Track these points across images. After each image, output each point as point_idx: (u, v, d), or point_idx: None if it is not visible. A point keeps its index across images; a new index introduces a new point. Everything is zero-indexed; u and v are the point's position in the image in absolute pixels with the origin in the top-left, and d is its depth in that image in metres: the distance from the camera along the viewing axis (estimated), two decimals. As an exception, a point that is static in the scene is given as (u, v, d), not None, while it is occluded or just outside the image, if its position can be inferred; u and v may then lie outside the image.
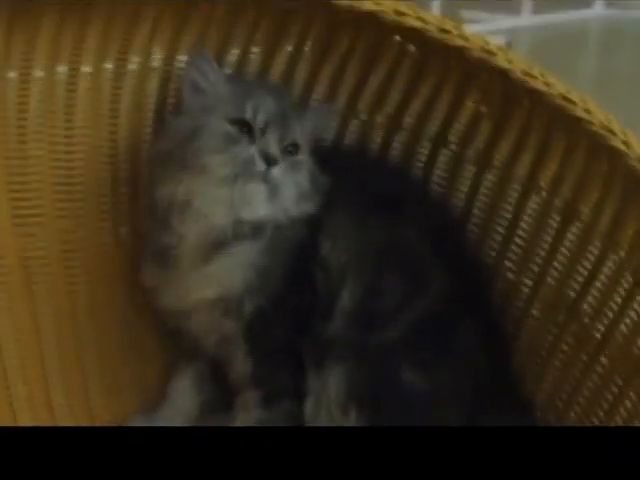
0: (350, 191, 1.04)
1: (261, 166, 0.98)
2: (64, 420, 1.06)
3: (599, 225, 1.00)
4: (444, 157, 1.12)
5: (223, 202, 0.99)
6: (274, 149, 0.99)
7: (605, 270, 1.01)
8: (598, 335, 1.02)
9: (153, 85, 1.10)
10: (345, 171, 1.06)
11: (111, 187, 1.11)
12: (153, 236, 1.04)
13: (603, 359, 1.01)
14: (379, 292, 1.01)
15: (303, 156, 1.03)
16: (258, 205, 0.99)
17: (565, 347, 1.05)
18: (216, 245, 1.00)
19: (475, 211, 1.12)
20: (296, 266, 1.01)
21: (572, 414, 1.04)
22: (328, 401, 1.01)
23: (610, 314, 1.00)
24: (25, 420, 1.04)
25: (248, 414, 1.01)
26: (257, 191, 0.98)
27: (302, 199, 1.01)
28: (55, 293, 1.09)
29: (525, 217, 1.08)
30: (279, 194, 0.99)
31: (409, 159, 1.14)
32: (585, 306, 1.03)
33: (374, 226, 1.03)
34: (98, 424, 1.08)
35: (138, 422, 1.06)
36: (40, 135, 1.06)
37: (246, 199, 0.98)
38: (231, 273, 1.00)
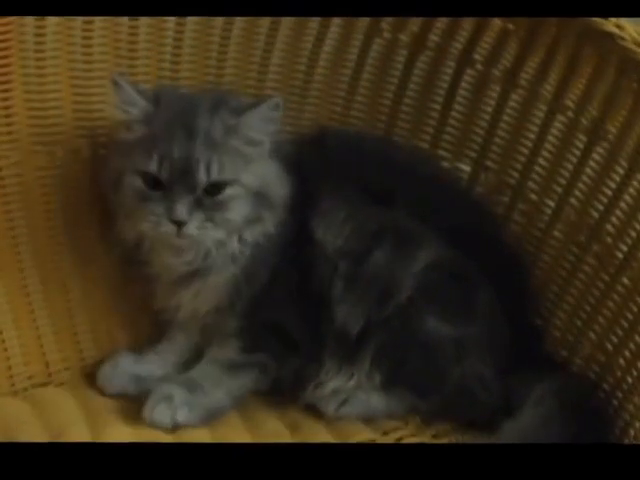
0: (344, 180, 1.01)
1: (171, 228, 0.94)
2: (52, 354, 1.05)
3: (626, 145, 1.00)
4: (469, 77, 1.11)
5: (165, 247, 0.98)
6: (181, 208, 0.93)
7: (630, 190, 1.01)
8: (620, 255, 1.02)
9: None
10: (341, 157, 1.03)
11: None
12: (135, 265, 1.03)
13: (625, 279, 1.01)
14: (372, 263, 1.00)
15: (233, 189, 0.96)
16: (191, 253, 0.98)
17: (586, 268, 1.06)
18: (190, 275, 0.99)
19: (499, 132, 1.11)
20: (284, 257, 1.00)
21: (587, 340, 1.05)
22: (358, 373, 1.02)
23: (634, 234, 1.01)
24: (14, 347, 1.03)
25: (222, 354, 1.01)
26: (180, 244, 0.97)
27: (250, 224, 0.98)
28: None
29: (550, 138, 1.07)
30: (203, 242, 0.96)
31: (433, 80, 1.13)
32: (608, 226, 1.03)
33: (367, 215, 1.01)
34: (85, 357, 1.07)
35: (132, 356, 1.05)
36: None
37: (175, 250, 0.98)
38: (211, 295, 1.00)
